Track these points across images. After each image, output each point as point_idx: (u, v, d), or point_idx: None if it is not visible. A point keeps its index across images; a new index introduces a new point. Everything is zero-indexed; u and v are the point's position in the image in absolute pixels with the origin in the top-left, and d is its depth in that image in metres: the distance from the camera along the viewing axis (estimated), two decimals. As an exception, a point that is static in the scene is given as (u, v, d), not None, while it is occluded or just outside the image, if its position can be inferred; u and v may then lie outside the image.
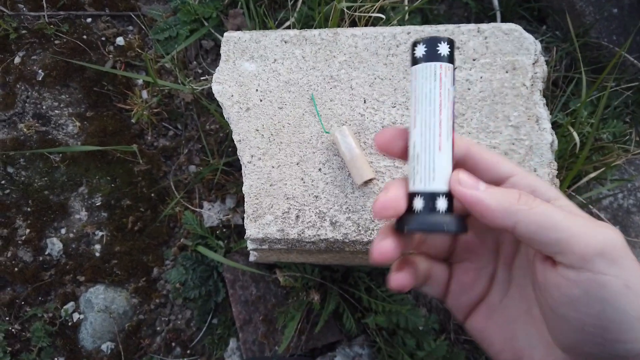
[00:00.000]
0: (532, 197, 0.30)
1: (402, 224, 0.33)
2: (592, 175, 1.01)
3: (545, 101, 0.75)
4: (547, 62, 1.16)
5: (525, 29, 0.79)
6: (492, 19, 1.21)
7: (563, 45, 1.18)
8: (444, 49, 0.33)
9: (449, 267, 0.39)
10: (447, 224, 0.32)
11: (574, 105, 1.12)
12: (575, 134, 0.95)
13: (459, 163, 0.35)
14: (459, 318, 0.39)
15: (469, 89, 0.75)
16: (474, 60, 0.76)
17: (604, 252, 0.28)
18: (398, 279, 0.34)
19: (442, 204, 0.33)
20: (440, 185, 0.33)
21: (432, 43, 0.33)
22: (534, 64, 0.75)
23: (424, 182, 0.33)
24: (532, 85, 0.75)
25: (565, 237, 0.29)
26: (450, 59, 0.34)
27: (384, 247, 0.33)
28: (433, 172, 0.33)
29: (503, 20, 1.20)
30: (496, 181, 0.34)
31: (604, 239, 0.29)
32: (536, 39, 0.78)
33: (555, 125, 1.10)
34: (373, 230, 0.71)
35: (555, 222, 0.29)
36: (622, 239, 0.29)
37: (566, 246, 0.29)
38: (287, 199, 0.73)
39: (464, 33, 0.77)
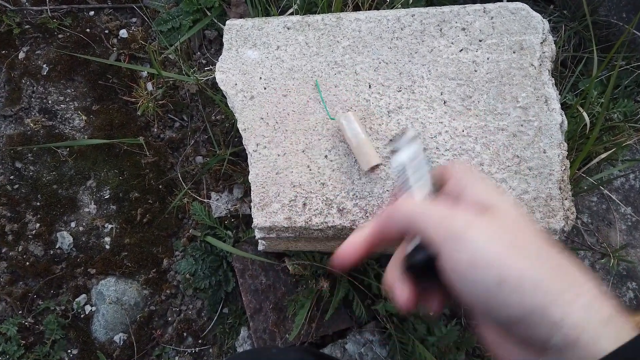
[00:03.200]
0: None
1: None
2: (603, 155, 0.99)
3: (554, 81, 0.74)
4: (555, 42, 1.14)
5: (532, 8, 0.78)
6: (498, -1, 1.19)
7: (571, 25, 1.16)
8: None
9: None
10: None
11: (583, 86, 1.10)
12: (585, 114, 0.94)
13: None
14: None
15: (475, 71, 0.73)
16: (480, 41, 0.74)
17: (447, 236, 0.32)
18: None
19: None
20: None
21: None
22: (542, 43, 0.74)
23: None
24: (540, 65, 0.73)
25: (422, 228, 0.34)
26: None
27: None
28: None
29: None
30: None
31: (449, 225, 0.33)
32: (544, 18, 0.76)
33: (564, 106, 1.09)
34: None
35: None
36: (464, 218, 0.33)
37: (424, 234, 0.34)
38: (294, 186, 0.73)
39: (470, 14, 0.75)
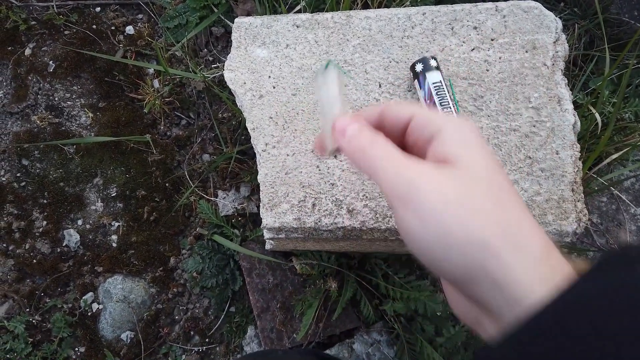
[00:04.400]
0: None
1: None
2: (614, 156, 0.98)
3: (566, 81, 0.73)
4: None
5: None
6: (508, -3, 1.18)
7: (582, 23, 1.14)
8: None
9: None
10: None
11: (594, 85, 1.09)
12: (597, 115, 0.93)
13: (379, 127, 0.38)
14: None
15: (487, 70, 0.72)
16: (492, 40, 0.73)
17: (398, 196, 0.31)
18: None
19: None
20: None
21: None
22: (555, 42, 0.73)
23: None
24: (553, 64, 0.72)
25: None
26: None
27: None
28: None
29: (519, -2, 1.16)
30: (402, 128, 0.37)
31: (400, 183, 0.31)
32: (555, 17, 0.75)
33: (574, 106, 1.07)
34: (391, 217, 0.70)
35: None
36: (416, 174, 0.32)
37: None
38: (303, 187, 0.72)
39: (482, 12, 0.74)
